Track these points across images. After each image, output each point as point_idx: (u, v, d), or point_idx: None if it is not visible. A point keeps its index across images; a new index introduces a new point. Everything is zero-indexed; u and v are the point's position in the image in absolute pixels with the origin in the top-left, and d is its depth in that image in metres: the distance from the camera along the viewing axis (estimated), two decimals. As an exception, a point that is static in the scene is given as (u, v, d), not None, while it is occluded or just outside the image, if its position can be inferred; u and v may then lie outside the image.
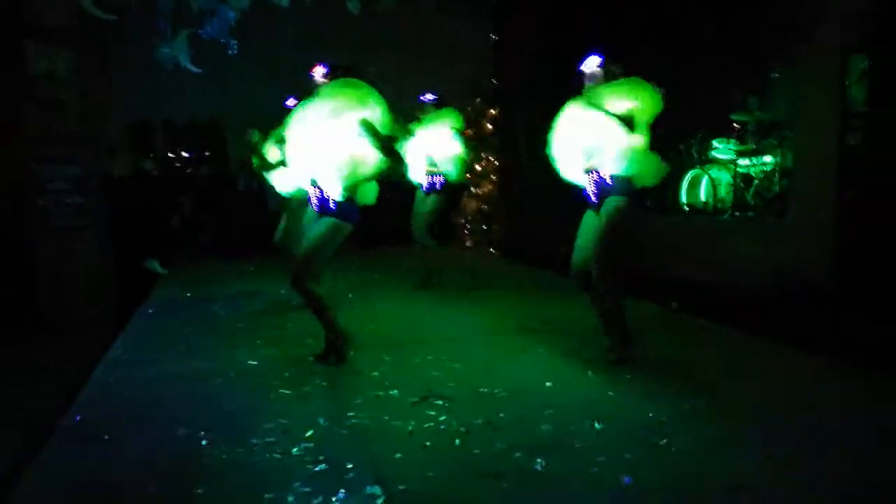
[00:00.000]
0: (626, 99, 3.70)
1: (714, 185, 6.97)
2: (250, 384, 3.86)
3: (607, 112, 3.71)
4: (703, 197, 7.19)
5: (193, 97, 10.04)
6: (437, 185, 6.10)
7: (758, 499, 2.45)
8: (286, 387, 3.75)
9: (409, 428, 3.12)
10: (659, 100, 3.71)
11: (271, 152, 5.47)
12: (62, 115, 7.01)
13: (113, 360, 4.46)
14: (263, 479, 2.69)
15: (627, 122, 3.68)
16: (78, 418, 3.40)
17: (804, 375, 3.77)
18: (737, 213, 6.61)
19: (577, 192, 4.02)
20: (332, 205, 3.91)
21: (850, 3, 5.12)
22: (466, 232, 9.66)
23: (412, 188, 6.31)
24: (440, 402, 3.41)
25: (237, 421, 3.28)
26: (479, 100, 9.32)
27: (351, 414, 3.32)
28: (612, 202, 3.77)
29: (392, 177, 4.33)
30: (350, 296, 6.01)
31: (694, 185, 7.27)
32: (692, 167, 7.25)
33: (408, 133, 5.89)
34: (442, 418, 3.21)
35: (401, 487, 2.57)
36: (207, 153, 11.87)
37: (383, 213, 5.12)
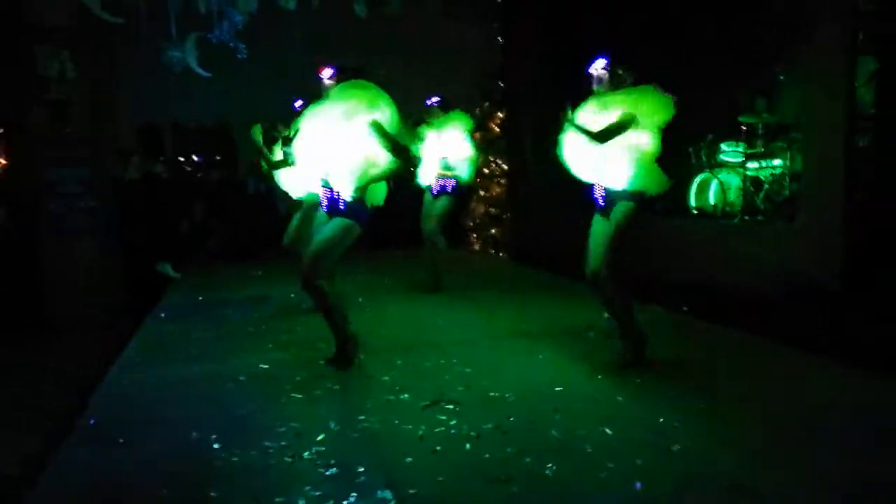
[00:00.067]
0: (631, 106, 3.70)
1: (724, 188, 6.95)
2: (261, 388, 3.89)
3: (579, 128, 3.75)
4: (712, 201, 7.17)
5: (201, 100, 10.15)
6: (448, 188, 6.12)
7: (766, 501, 2.46)
8: (297, 390, 3.78)
9: (420, 432, 3.13)
10: (671, 106, 3.71)
11: (276, 153, 5.51)
12: (70, 116, 7.07)
13: (126, 363, 4.51)
14: (275, 482, 2.71)
15: (606, 132, 3.69)
16: (92, 421, 3.44)
17: (815, 377, 3.77)
18: (746, 218, 6.59)
19: (584, 195, 4.03)
20: (342, 205, 3.94)
21: (857, 3, 5.11)
22: (474, 235, 9.67)
23: (420, 191, 6.33)
24: (450, 407, 3.42)
25: (249, 424, 3.31)
26: (486, 103, 9.34)
27: (362, 418, 3.34)
28: (622, 207, 3.78)
29: (402, 177, 4.37)
30: (360, 300, 6.03)
31: (703, 188, 7.25)
32: (701, 171, 7.23)
33: (416, 137, 5.91)
34: (452, 422, 3.23)
35: (411, 491, 2.59)
36: (218, 157, 11.94)
37: (391, 216, 5.15)
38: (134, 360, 4.56)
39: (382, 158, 3.86)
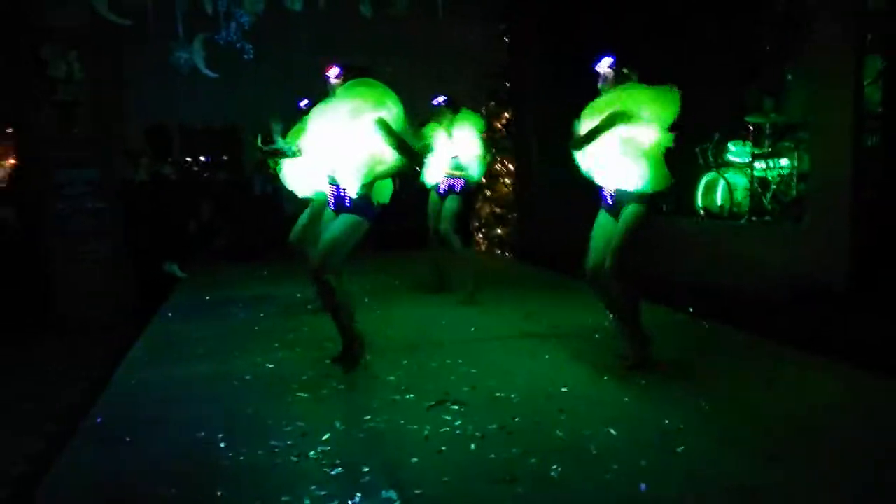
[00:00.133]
0: (623, 104, 3.69)
1: (731, 189, 6.93)
2: (267, 387, 3.90)
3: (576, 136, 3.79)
4: (719, 201, 7.14)
5: (208, 101, 10.13)
6: (457, 188, 6.11)
7: (771, 502, 2.46)
8: (303, 390, 3.79)
9: (425, 432, 3.14)
10: (677, 101, 3.69)
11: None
12: (77, 117, 7.11)
13: (133, 362, 4.53)
14: (281, 482, 2.72)
15: (590, 134, 3.70)
16: (99, 420, 3.46)
17: (822, 379, 3.75)
18: (754, 218, 6.57)
19: (590, 192, 4.01)
20: (348, 202, 3.96)
21: (866, 2, 5.09)
22: (480, 235, 9.67)
23: (426, 190, 6.32)
24: (456, 407, 3.43)
25: (255, 424, 3.32)
26: (492, 103, 9.34)
27: (367, 418, 3.35)
28: (632, 209, 3.76)
29: (407, 175, 4.40)
30: (366, 300, 6.03)
31: (710, 189, 7.22)
32: (708, 170, 7.21)
33: (422, 137, 5.90)
34: (457, 423, 3.23)
35: (416, 492, 2.59)
36: (225, 157, 11.98)
37: (398, 214, 5.14)
38: (140, 360, 4.58)
39: (388, 156, 3.88)
